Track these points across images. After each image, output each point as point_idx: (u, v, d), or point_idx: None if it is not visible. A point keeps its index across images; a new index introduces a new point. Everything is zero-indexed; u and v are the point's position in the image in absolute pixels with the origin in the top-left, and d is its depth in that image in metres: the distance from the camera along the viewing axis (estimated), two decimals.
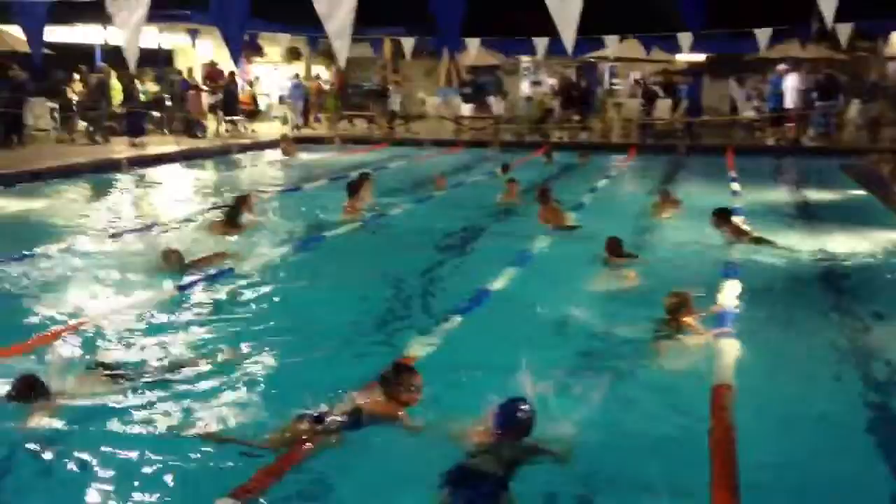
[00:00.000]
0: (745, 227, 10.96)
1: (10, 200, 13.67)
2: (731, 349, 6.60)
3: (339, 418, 5.01)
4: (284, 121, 28.71)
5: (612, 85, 31.05)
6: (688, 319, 7.01)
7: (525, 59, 32.85)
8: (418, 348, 6.56)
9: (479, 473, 4.47)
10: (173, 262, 8.82)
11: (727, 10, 21.64)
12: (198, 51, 26.78)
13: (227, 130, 25.23)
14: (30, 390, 5.32)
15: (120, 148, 20.80)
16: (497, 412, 4.73)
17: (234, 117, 25.59)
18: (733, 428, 5.15)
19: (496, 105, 27.17)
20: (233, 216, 11.19)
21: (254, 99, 28.34)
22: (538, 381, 5.17)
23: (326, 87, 29.70)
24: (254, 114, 27.95)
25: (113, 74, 22.69)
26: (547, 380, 5.42)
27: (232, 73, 25.32)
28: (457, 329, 7.14)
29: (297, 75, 29.25)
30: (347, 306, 7.89)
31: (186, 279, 8.53)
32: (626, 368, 6.33)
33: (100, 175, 16.98)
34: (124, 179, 17.10)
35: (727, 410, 5.42)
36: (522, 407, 4.73)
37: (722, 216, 10.73)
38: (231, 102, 25.32)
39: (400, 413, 5.14)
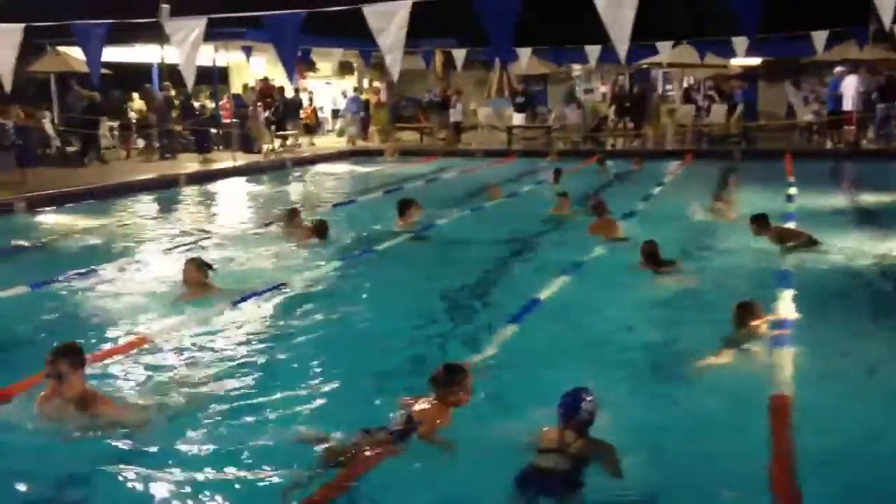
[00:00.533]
0: (792, 229, 10.77)
1: (80, 218, 13.97)
2: (792, 357, 6.50)
3: (395, 428, 5.05)
4: (341, 133, 28.95)
5: (666, 91, 30.78)
6: (756, 323, 6.95)
7: (576, 68, 32.73)
8: (473, 357, 6.57)
9: (546, 471, 4.53)
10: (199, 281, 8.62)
11: (782, 13, 21.33)
12: (252, 67, 27.17)
13: (281, 146, 25.54)
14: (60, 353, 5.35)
15: (185, 164, 21.29)
16: (562, 400, 4.75)
17: (286, 132, 25.92)
18: (793, 437, 5.09)
19: (571, 114, 26.96)
20: (319, 226, 11.37)
21: (315, 113, 28.75)
22: (596, 388, 5.12)
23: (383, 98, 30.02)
24: (314, 128, 28.32)
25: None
26: (605, 388, 5.37)
27: (281, 88, 25.64)
28: (511, 338, 7.15)
29: (355, 89, 29.51)
30: (402, 317, 7.94)
31: (240, 295, 8.59)
32: (683, 377, 6.26)
33: (165, 191, 17.55)
34: (189, 195, 17.61)
35: (788, 419, 5.36)
36: (587, 397, 4.73)
37: (759, 222, 10.57)
38: (281, 118, 25.63)
39: (446, 418, 5.16)
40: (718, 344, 6.77)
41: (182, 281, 8.63)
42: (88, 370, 5.73)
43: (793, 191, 15.40)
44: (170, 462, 4.95)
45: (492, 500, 4.48)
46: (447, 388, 5.25)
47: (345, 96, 29.84)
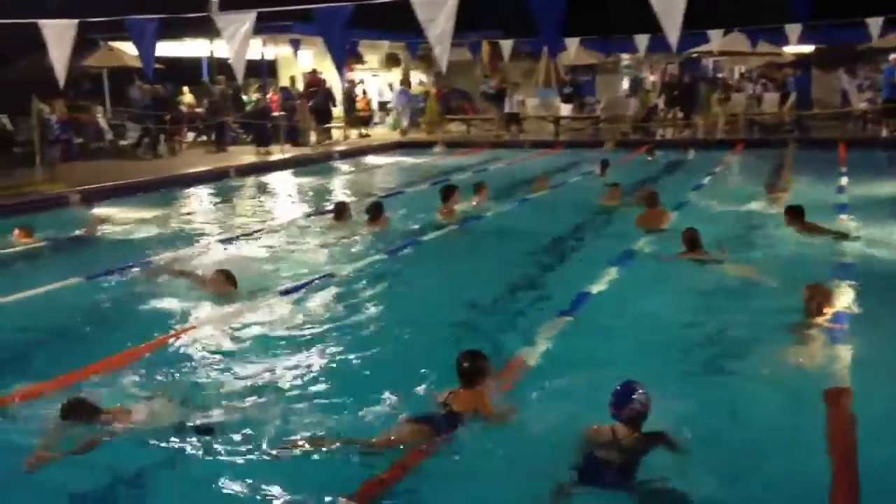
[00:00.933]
0: (822, 225, 10.54)
1: (132, 210, 14.13)
2: (852, 347, 6.40)
3: (438, 419, 5.09)
4: (394, 127, 29.06)
5: (717, 80, 30.37)
6: (827, 311, 6.87)
7: (625, 57, 32.46)
8: (522, 350, 6.58)
9: (603, 462, 4.52)
10: (226, 286, 8.41)
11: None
12: (299, 60, 27.31)
13: (325, 138, 25.63)
14: (70, 411, 5.23)
15: (237, 157, 21.52)
16: (613, 394, 4.71)
17: (328, 125, 26.02)
18: (854, 428, 5.01)
19: (633, 106, 26.69)
20: (375, 213, 11.69)
21: (368, 105, 28.94)
22: (651, 380, 5.08)
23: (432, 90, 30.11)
24: (368, 120, 28.46)
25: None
26: (661, 380, 5.33)
27: (323, 81, 25.70)
28: (563, 331, 7.11)
29: (401, 82, 29.58)
30: (449, 308, 7.92)
31: (287, 285, 8.68)
32: (741, 366, 6.21)
33: (216, 184, 17.77)
34: (238, 187, 17.89)
35: (847, 410, 5.27)
36: (638, 388, 4.69)
37: (792, 214, 10.41)
38: (324, 111, 25.69)
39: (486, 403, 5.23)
40: (780, 333, 6.70)
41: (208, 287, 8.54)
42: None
43: (845, 180, 15.12)
44: (204, 456, 5.00)
45: (540, 495, 4.45)
46: (478, 375, 5.34)
47: (391, 89, 29.88)
